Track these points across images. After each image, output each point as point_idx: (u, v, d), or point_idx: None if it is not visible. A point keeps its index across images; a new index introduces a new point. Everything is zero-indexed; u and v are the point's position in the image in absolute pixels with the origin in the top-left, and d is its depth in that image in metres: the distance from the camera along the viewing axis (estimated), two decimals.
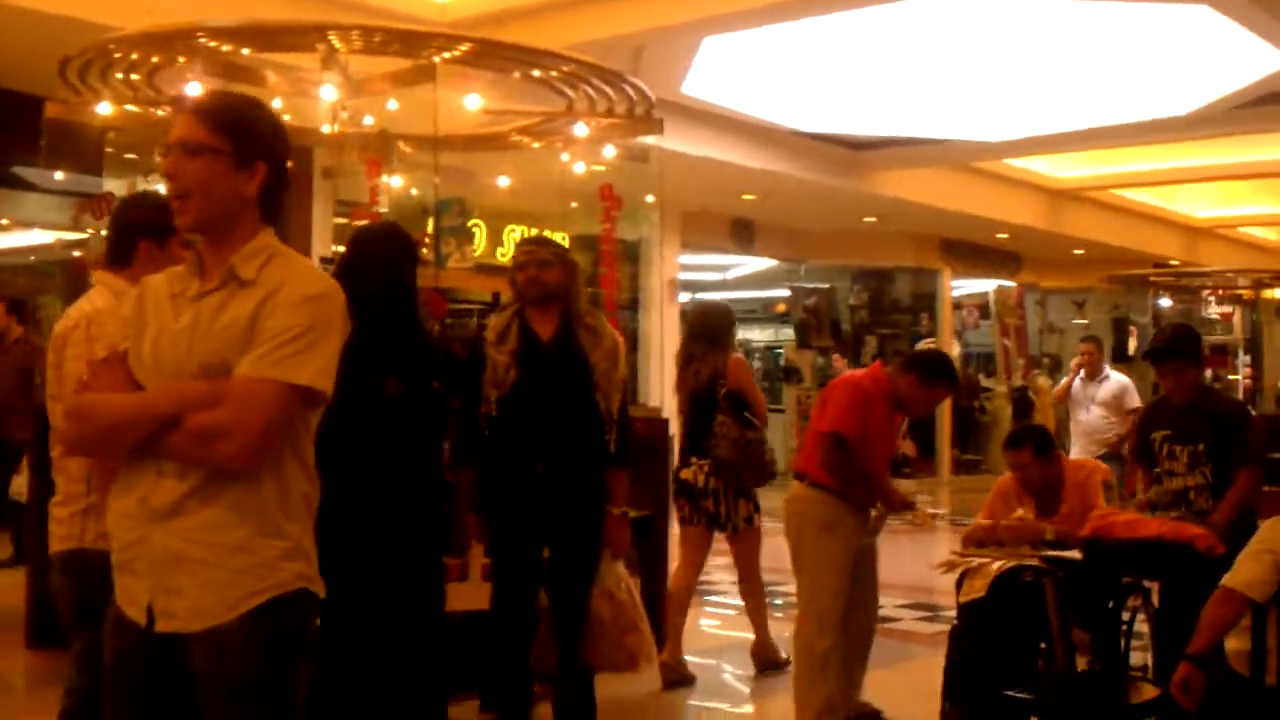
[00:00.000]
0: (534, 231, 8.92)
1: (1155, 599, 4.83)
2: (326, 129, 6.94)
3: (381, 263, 4.39)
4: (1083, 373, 9.64)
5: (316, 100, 6.76)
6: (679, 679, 6.23)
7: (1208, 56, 9.93)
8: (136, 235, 3.70)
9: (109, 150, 7.91)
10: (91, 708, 3.52)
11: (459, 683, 5.22)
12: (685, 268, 15.55)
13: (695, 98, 10.45)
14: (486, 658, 4.80)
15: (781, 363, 19.19)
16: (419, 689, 4.34)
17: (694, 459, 6.30)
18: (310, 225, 10.16)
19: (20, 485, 8.11)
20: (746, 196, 14.25)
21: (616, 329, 5.08)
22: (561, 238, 5.90)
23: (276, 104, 7.15)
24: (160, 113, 7.11)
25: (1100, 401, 9.37)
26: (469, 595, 4.84)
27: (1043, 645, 4.74)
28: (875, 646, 5.47)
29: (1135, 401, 9.32)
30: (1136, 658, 5.17)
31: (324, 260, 9.30)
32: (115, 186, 8.30)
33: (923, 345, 8.49)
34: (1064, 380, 10.09)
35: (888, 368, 5.41)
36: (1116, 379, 9.55)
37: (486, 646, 4.73)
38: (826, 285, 19.07)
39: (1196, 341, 5.30)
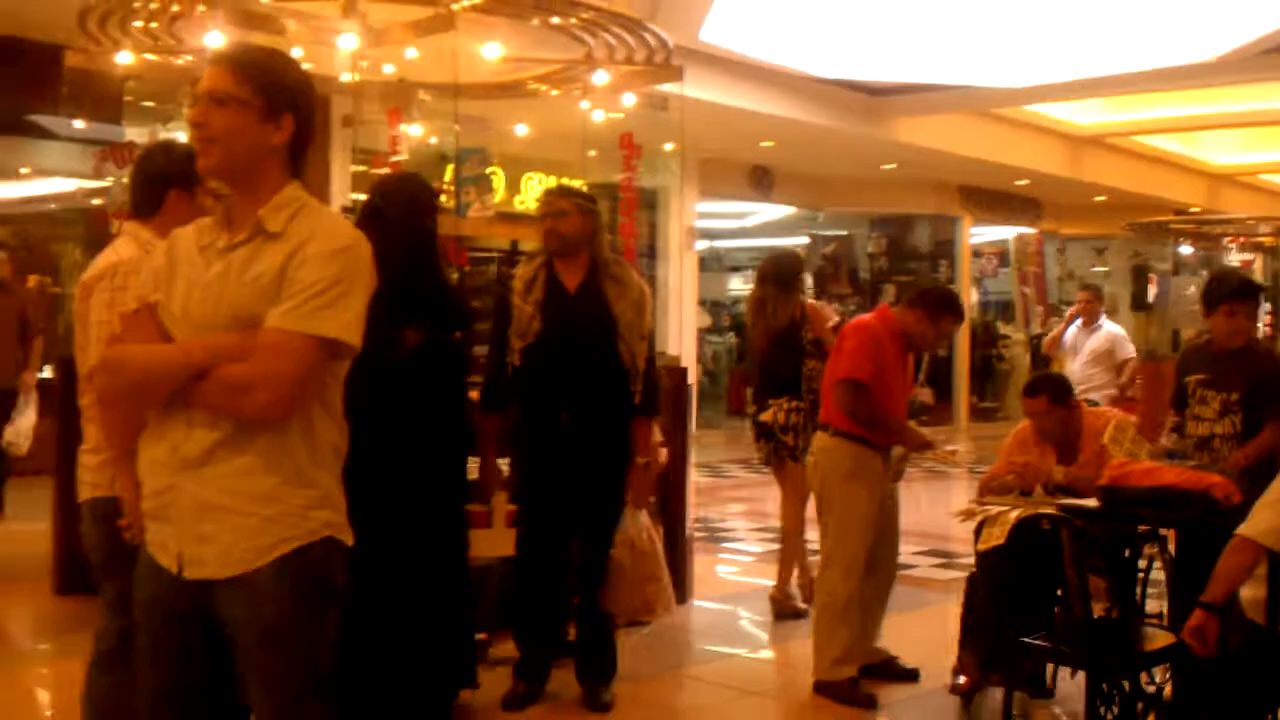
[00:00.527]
0: (554, 180, 8.91)
1: (1172, 547, 4.87)
2: (346, 78, 6.95)
3: (402, 213, 4.39)
4: (1079, 321, 9.57)
5: (336, 49, 6.75)
6: (791, 611, 6.53)
7: (1233, 2, 9.84)
8: (164, 185, 3.71)
9: (128, 99, 7.94)
10: (124, 651, 3.59)
11: (495, 622, 5.32)
12: (703, 215, 15.52)
13: (714, 44, 10.40)
14: (517, 603, 4.87)
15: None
16: (445, 634, 4.41)
17: (772, 400, 6.47)
18: (329, 174, 10.19)
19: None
20: (765, 144, 14.20)
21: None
22: (580, 185, 5.89)
23: (296, 52, 7.13)
24: (180, 61, 7.12)
25: (1091, 351, 9.30)
26: (493, 541, 4.90)
27: (1059, 592, 4.78)
28: (892, 593, 5.52)
29: (1129, 352, 9.24)
30: (1152, 605, 5.23)
31: (344, 209, 9.32)
32: (135, 135, 8.32)
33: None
34: (1057, 327, 10.02)
35: (894, 307, 5.42)
36: (1109, 329, 9.46)
37: (516, 592, 4.82)
38: (845, 233, 19.04)
39: (1252, 285, 5.31)
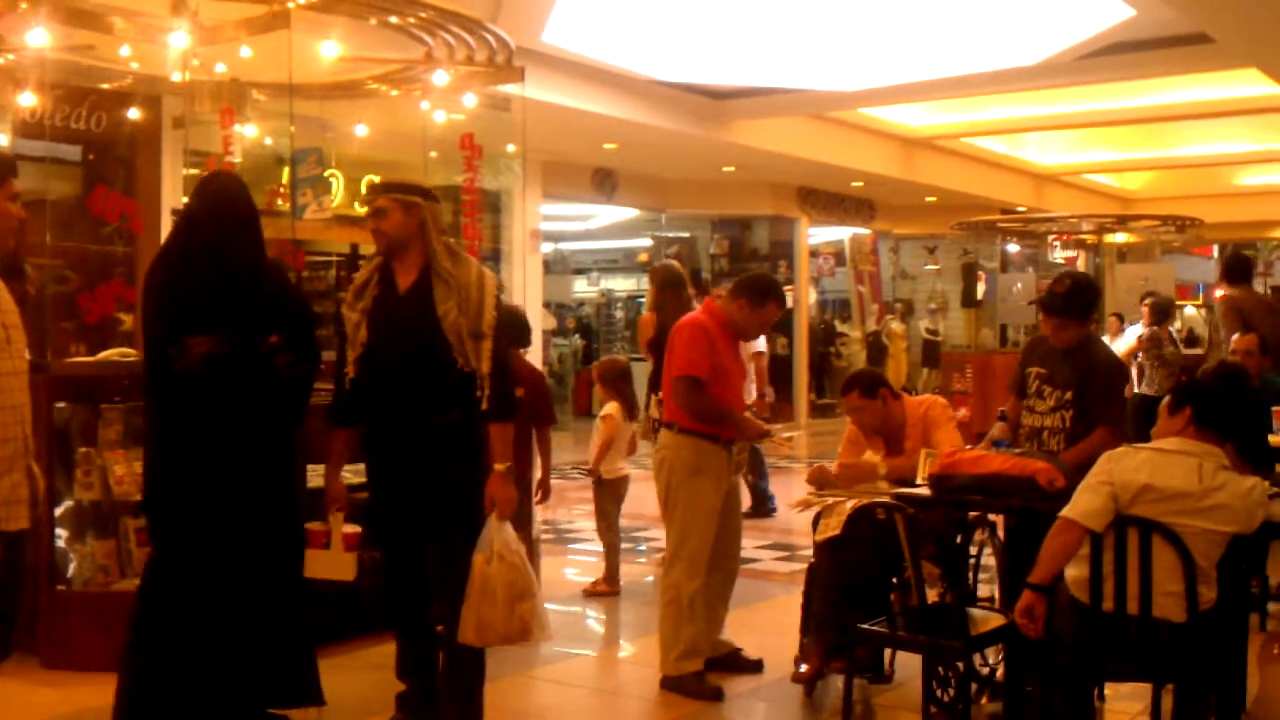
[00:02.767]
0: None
1: (1001, 532, 5.05)
2: (177, 77, 6.77)
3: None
4: None
5: (166, 47, 6.58)
6: None
7: (1055, 7, 10.22)
8: None
9: None
10: None
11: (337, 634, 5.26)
12: (547, 218, 15.53)
13: (556, 46, 10.41)
14: (390, 629, 4.62)
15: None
16: (265, 650, 4.31)
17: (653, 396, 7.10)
18: (160, 177, 9.91)
19: None
20: (608, 146, 14.26)
21: None
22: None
23: (124, 51, 6.96)
24: (1, 60, 6.86)
25: None
26: (330, 563, 4.61)
27: (895, 580, 4.93)
28: (735, 586, 5.61)
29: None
30: (984, 590, 5.42)
31: (175, 212, 9.09)
32: None
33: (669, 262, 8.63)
34: None
35: (717, 300, 5.52)
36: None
37: (386, 619, 4.60)
38: (687, 234, 19.25)
39: (1088, 302, 5.18)
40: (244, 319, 4.21)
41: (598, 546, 7.39)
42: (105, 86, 7.96)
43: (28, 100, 6.96)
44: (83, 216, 7.04)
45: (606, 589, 7.14)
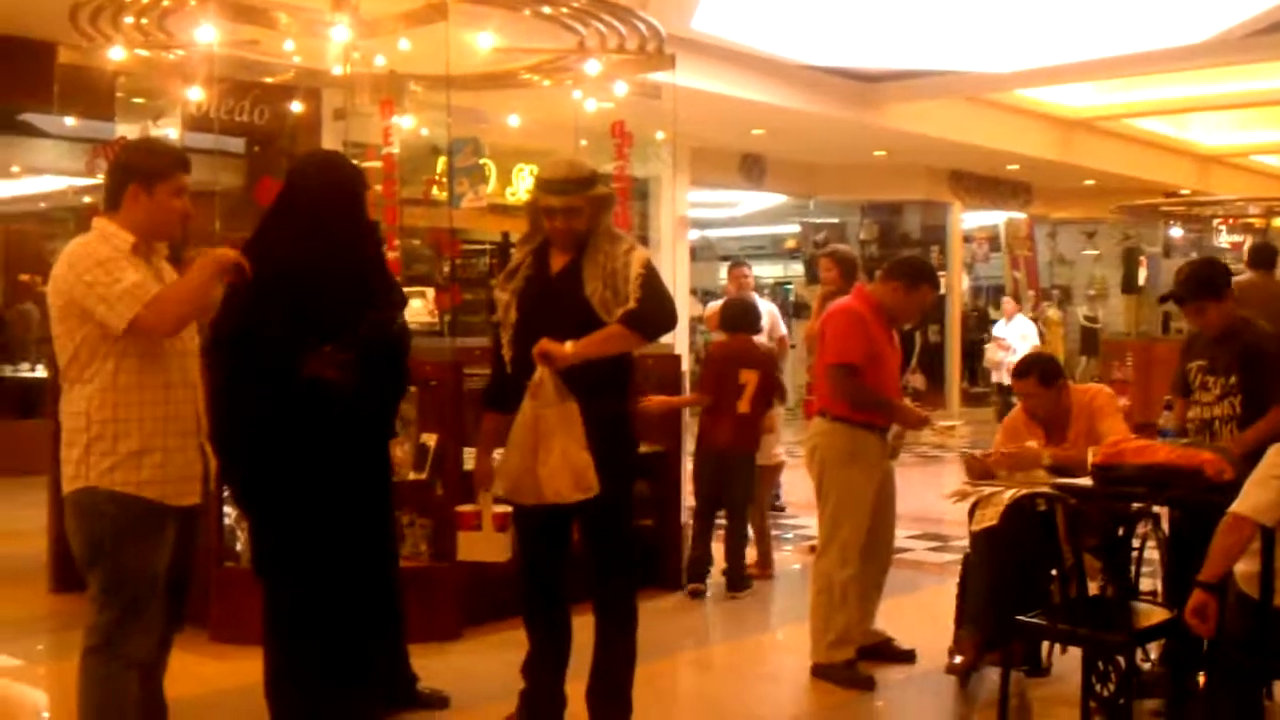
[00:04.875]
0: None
1: (1165, 525, 4.90)
2: (338, 70, 6.95)
3: (315, 201, 4.26)
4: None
5: (328, 41, 6.77)
6: None
7: None
8: (124, 178, 3.73)
9: (120, 95, 7.91)
10: (114, 644, 3.62)
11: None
12: (694, 204, 15.53)
13: (705, 33, 10.41)
14: (526, 609, 4.50)
15: (791, 298, 19.24)
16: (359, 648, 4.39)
17: None
18: None
19: None
20: (756, 131, 14.21)
21: None
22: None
23: (288, 46, 7.17)
24: (171, 56, 7.13)
25: None
26: (483, 545, 4.64)
27: (1054, 572, 4.82)
28: (888, 576, 5.55)
29: (781, 330, 8.89)
30: (1146, 584, 5.27)
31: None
32: (127, 131, 8.31)
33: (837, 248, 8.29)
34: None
35: (869, 285, 5.45)
36: (761, 305, 8.72)
37: (522, 591, 4.49)
38: (836, 220, 19.06)
39: (1212, 279, 5.05)
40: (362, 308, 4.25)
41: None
42: (269, 80, 8.20)
43: (195, 94, 7.22)
44: (249, 206, 7.26)
45: (759, 572, 7.16)
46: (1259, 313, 7.25)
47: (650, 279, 4.21)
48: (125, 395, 3.63)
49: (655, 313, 4.20)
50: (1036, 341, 11.54)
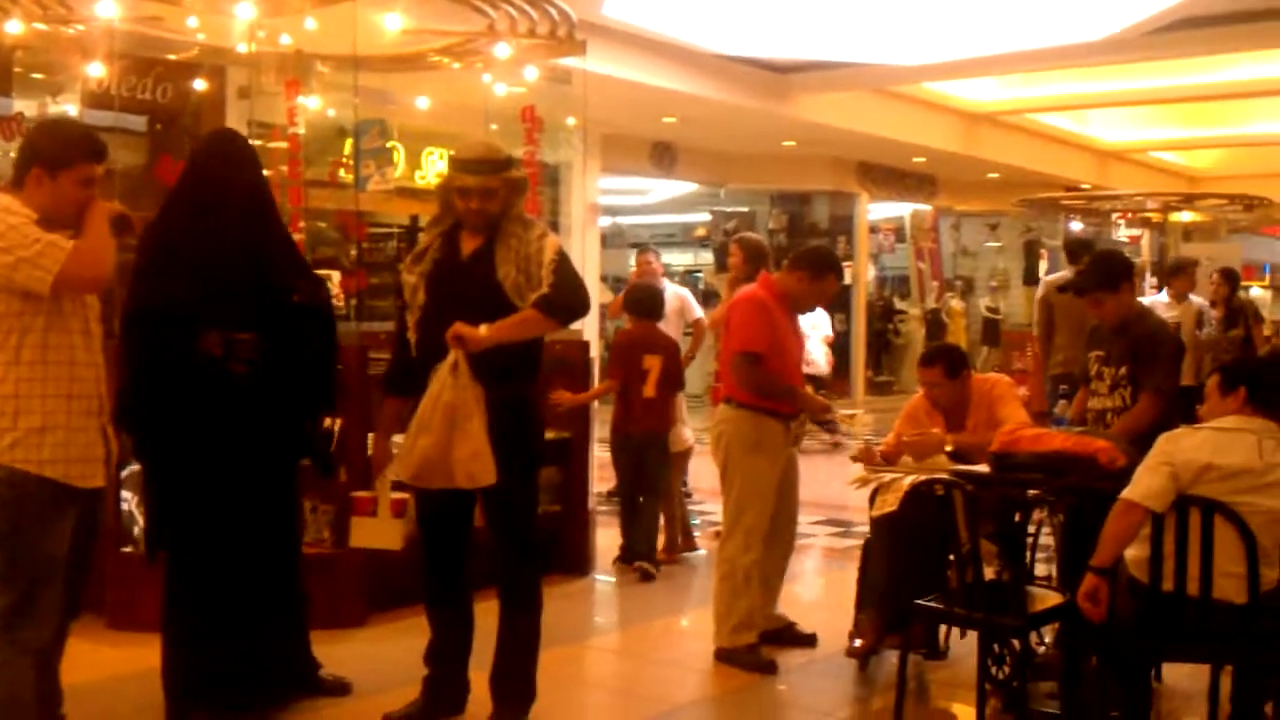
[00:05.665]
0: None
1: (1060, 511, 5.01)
2: (243, 48, 6.85)
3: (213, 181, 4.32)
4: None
5: (232, 19, 6.65)
6: None
7: None
8: (29, 160, 3.67)
9: (18, 70, 7.72)
10: (11, 626, 3.55)
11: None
12: (605, 191, 15.53)
13: (616, 19, 10.40)
14: (428, 595, 4.48)
15: (701, 286, 19.32)
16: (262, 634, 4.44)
17: None
18: None
19: None
20: (667, 119, 14.23)
21: None
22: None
23: (191, 22, 7.04)
24: (70, 31, 6.96)
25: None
26: (377, 532, 4.66)
27: (952, 557, 4.90)
28: (790, 561, 5.61)
29: (696, 313, 8.94)
30: (1041, 569, 5.38)
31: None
32: (24, 107, 8.12)
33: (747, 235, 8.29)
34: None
35: (775, 274, 5.50)
36: (674, 289, 9.10)
37: (424, 577, 4.47)
38: (746, 209, 19.18)
39: (1111, 272, 5.14)
40: (267, 297, 4.29)
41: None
42: (172, 58, 8.06)
43: (96, 71, 7.06)
44: (150, 185, 7.13)
45: (667, 557, 7.23)
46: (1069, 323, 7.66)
47: (563, 265, 4.22)
48: (29, 370, 3.55)
49: (569, 298, 4.21)
50: (828, 331, 11.71)
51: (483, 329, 4.05)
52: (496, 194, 4.24)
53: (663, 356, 6.95)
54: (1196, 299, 10.32)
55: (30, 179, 3.62)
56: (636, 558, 6.94)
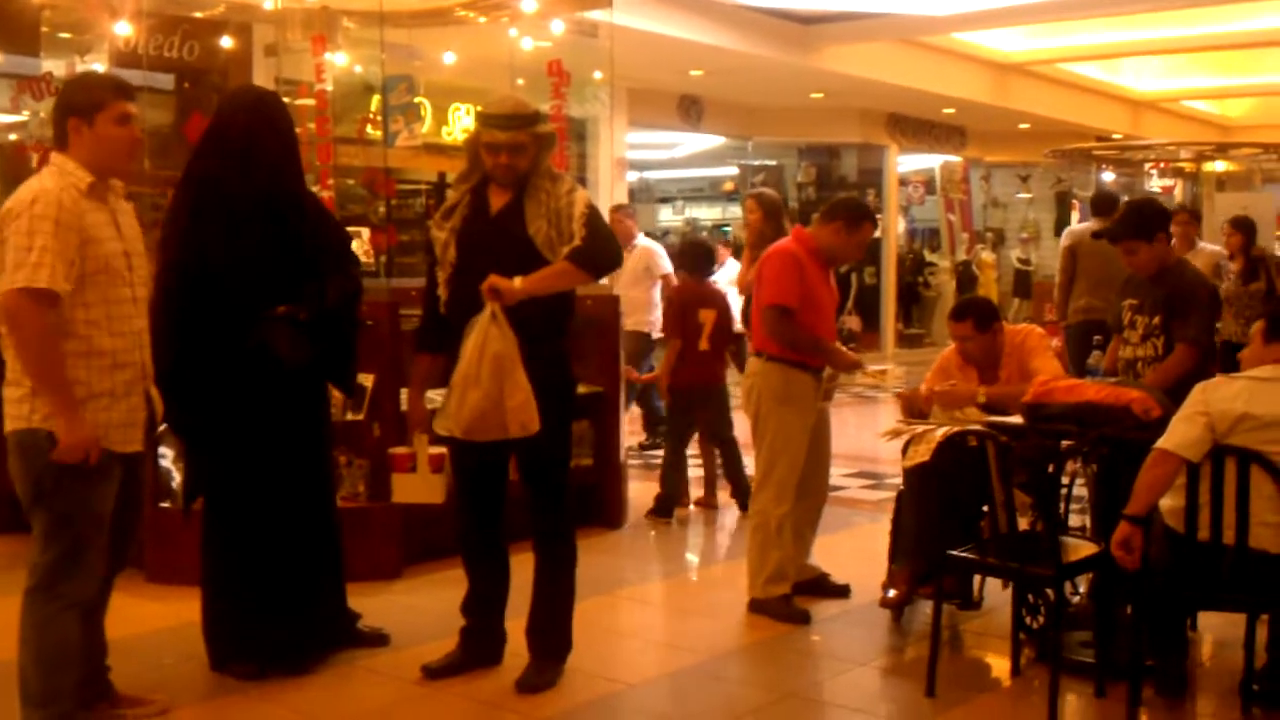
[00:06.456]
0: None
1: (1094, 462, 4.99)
2: (269, 5, 6.84)
3: (241, 137, 4.32)
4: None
5: None
6: None
7: None
8: (64, 115, 3.70)
9: (45, 30, 7.72)
10: (58, 583, 3.60)
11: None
12: (633, 145, 15.47)
13: None
14: (464, 546, 4.52)
15: (730, 239, 19.28)
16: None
17: None
18: None
19: None
20: (694, 73, 14.15)
21: None
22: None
23: None
24: None
25: (630, 271, 8.68)
26: (418, 487, 4.64)
27: (985, 508, 4.90)
28: (823, 513, 5.62)
29: (665, 268, 8.88)
30: (1075, 520, 5.37)
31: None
32: (53, 67, 8.12)
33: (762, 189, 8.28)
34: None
35: (808, 227, 5.48)
36: (644, 244, 9.12)
37: (460, 530, 4.50)
38: (774, 162, 19.08)
39: (1146, 221, 5.08)
40: (299, 265, 4.32)
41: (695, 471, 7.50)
42: (198, 15, 8.05)
43: (123, 29, 7.06)
44: (180, 144, 7.15)
45: (703, 503, 7.43)
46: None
47: (594, 218, 4.23)
48: (75, 336, 3.58)
49: (601, 250, 4.22)
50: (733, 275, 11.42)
51: (517, 281, 4.07)
52: (525, 149, 4.24)
53: (716, 310, 7.14)
54: (1210, 247, 9.60)
55: (70, 132, 3.66)
56: (662, 512, 7.08)
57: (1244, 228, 9.29)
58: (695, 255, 7.42)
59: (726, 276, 10.31)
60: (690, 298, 7.15)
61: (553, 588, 4.40)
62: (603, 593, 5.52)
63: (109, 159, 3.68)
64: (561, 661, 4.42)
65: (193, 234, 4.28)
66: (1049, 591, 4.51)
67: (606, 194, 13.76)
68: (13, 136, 10.89)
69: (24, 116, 8.18)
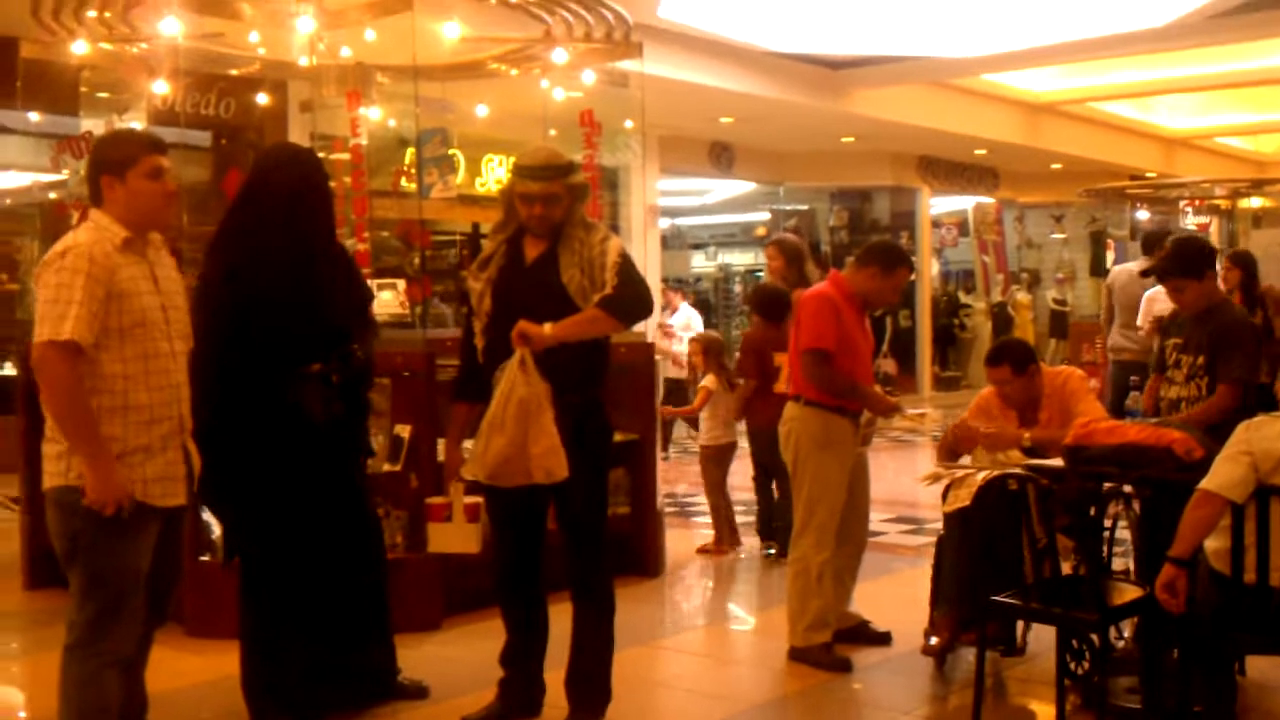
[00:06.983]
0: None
1: (1136, 504, 4.94)
2: (304, 62, 6.92)
3: (276, 193, 4.35)
4: None
5: (293, 32, 6.73)
6: None
7: None
8: (97, 172, 3.73)
9: (84, 90, 7.84)
10: (96, 639, 3.61)
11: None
12: (664, 193, 15.54)
13: (672, 20, 10.41)
14: (501, 598, 4.50)
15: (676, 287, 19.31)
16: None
17: None
18: None
19: None
20: (724, 119, 14.22)
21: None
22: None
23: (253, 37, 7.13)
24: (135, 50, 7.07)
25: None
26: (454, 537, 4.60)
27: (1027, 552, 4.85)
28: (863, 559, 5.58)
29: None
30: (1118, 564, 5.31)
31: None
32: (92, 125, 8.25)
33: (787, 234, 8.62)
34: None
35: (843, 271, 5.47)
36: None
37: (497, 580, 4.48)
38: (805, 207, 19.11)
39: (1195, 259, 5.08)
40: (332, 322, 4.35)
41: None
42: (234, 73, 8.15)
43: (160, 88, 7.17)
44: (217, 200, 7.24)
45: (715, 550, 7.51)
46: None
47: (627, 266, 4.24)
48: (109, 399, 3.59)
49: (632, 298, 4.23)
50: (700, 328, 11.80)
51: (547, 327, 4.08)
52: (559, 199, 4.26)
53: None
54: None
55: (104, 188, 3.68)
56: (766, 536, 7.47)
57: (1242, 263, 8.80)
58: (770, 302, 7.57)
59: (680, 321, 10.68)
60: (767, 342, 7.32)
61: (591, 638, 4.37)
62: (642, 642, 5.49)
63: (143, 214, 3.71)
64: (601, 713, 4.39)
65: (228, 290, 4.31)
66: (1093, 636, 4.45)
67: (640, 241, 13.82)
68: (53, 195, 11.07)
69: (64, 175, 8.29)
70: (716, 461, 7.69)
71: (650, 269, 13.62)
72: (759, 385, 7.26)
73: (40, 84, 7.22)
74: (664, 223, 16.88)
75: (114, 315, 3.57)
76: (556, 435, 4.06)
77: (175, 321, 3.77)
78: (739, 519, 7.78)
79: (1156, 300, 7.80)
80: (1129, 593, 4.37)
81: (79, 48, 6.70)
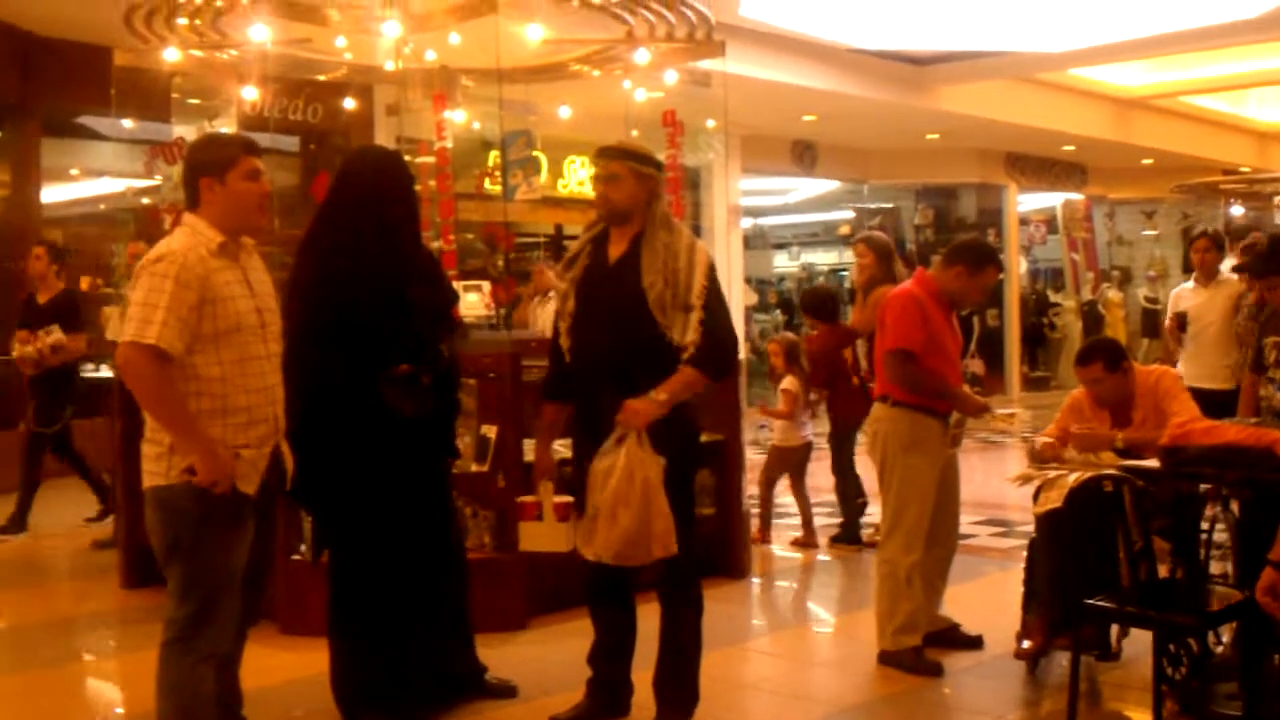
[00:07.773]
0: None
1: (1235, 506, 4.82)
2: (389, 66, 6.99)
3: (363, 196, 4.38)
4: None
5: (379, 37, 6.80)
6: None
7: None
8: (195, 175, 3.78)
9: (175, 96, 8.01)
10: (195, 637, 3.66)
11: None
12: (746, 192, 15.49)
13: (753, 18, 10.37)
14: (591, 599, 4.49)
15: (847, 285, 19.16)
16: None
17: None
18: None
19: None
20: (807, 118, 14.15)
21: None
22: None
23: (339, 42, 7.22)
24: (225, 56, 7.20)
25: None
26: (546, 536, 4.59)
27: (1123, 554, 4.75)
28: (953, 562, 5.51)
29: None
30: (1216, 567, 5.19)
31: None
32: (184, 131, 8.41)
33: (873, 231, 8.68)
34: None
35: (929, 270, 5.40)
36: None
37: (587, 580, 4.44)
38: (890, 205, 18.95)
39: None
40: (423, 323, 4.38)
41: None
42: (321, 78, 8.27)
43: (250, 94, 7.29)
44: (306, 204, 7.34)
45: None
46: None
47: (713, 298, 4.18)
48: (210, 394, 3.65)
49: (719, 355, 4.22)
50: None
51: (654, 398, 4.08)
52: (620, 180, 4.23)
53: (851, 346, 7.61)
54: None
55: (203, 190, 3.73)
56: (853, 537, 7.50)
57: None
58: (822, 303, 7.73)
59: None
60: (831, 343, 7.51)
61: (679, 639, 4.36)
62: (729, 644, 5.47)
63: (242, 215, 3.76)
64: (689, 713, 4.37)
65: (319, 294, 4.36)
66: (1192, 641, 4.35)
67: (722, 241, 13.79)
68: (146, 200, 11.29)
69: (157, 180, 8.46)
70: (783, 461, 7.74)
71: (733, 269, 13.60)
72: (833, 384, 7.51)
73: (133, 91, 7.37)
74: (746, 222, 16.83)
75: (209, 320, 3.61)
76: (670, 514, 4.10)
77: (269, 325, 3.82)
78: (818, 520, 7.73)
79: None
80: (1228, 596, 4.27)
81: (170, 55, 6.84)
